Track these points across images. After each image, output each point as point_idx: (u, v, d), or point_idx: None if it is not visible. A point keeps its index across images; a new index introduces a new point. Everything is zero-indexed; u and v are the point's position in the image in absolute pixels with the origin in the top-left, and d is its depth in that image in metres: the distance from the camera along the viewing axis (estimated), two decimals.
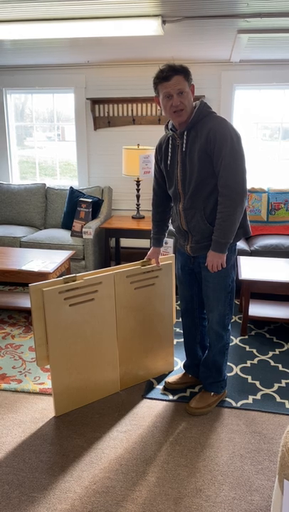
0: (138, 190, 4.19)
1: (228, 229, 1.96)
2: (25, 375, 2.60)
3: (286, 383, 2.52)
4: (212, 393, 2.31)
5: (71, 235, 4.02)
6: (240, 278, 2.96)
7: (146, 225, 3.95)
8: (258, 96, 4.25)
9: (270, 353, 2.85)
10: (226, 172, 1.91)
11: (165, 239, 2.40)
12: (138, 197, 4.22)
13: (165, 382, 2.48)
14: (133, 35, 2.88)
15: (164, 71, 1.90)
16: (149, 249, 2.73)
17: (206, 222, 2.04)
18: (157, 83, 1.94)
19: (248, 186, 4.07)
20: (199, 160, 1.95)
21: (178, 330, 3.16)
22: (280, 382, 2.52)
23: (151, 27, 2.67)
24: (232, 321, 3.24)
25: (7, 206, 4.43)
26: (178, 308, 3.48)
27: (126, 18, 2.58)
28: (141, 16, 2.55)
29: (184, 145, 2.00)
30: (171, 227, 2.32)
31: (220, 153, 1.91)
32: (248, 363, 2.73)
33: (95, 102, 4.33)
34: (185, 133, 1.99)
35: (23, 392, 2.45)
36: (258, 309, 3.18)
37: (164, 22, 2.64)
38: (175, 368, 2.68)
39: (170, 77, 1.89)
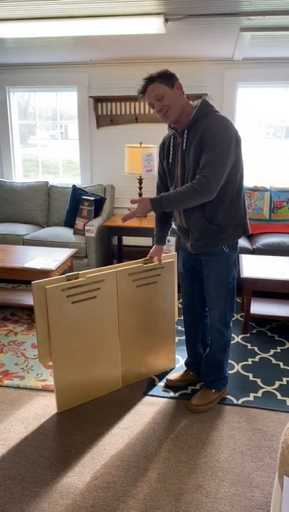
0: (140, 188, 4.20)
1: (176, 199, 1.93)
2: (28, 372, 2.61)
3: (287, 381, 2.53)
4: (213, 390, 2.32)
5: (74, 233, 4.03)
6: (242, 276, 2.97)
7: (149, 223, 3.96)
8: (261, 94, 4.24)
9: (272, 351, 2.86)
10: (207, 163, 1.89)
11: (168, 237, 2.41)
12: (140, 195, 4.22)
13: (166, 379, 2.50)
14: (136, 33, 2.89)
15: (141, 85, 1.99)
16: (151, 247, 2.74)
17: (204, 221, 2.04)
18: (141, 98, 2.02)
19: (250, 185, 4.07)
20: (195, 158, 1.96)
21: (180, 328, 3.17)
22: (281, 380, 2.53)
23: (154, 25, 2.67)
24: (234, 318, 3.25)
25: (10, 204, 4.45)
26: (180, 306, 3.49)
27: (129, 17, 2.59)
28: (143, 14, 2.55)
29: (184, 144, 2.00)
30: (174, 225, 2.33)
31: (208, 144, 1.89)
32: (250, 361, 2.74)
33: (98, 100, 4.34)
34: (185, 132, 1.99)
35: (25, 388, 2.47)
36: (259, 307, 3.19)
37: (166, 20, 2.64)
38: (176, 366, 2.69)
39: (146, 88, 1.98)
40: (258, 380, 2.54)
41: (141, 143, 4.16)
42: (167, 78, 1.96)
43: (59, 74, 4.39)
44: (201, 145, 1.93)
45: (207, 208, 2.03)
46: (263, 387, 2.47)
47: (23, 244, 3.97)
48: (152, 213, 3.73)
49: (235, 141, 1.94)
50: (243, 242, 3.72)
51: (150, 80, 1.96)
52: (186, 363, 2.53)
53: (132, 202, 2.00)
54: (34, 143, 4.99)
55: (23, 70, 4.44)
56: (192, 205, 1.96)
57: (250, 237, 3.96)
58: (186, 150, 2.00)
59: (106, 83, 4.32)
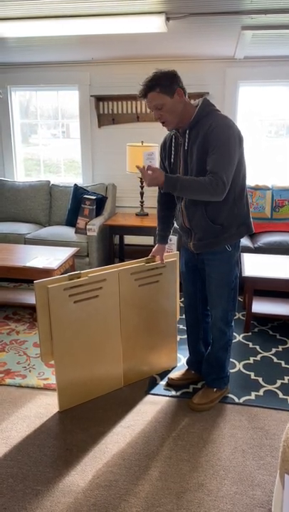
0: (142, 187, 4.20)
1: (192, 187, 1.88)
2: (30, 371, 2.62)
3: (288, 380, 2.53)
4: (215, 389, 2.33)
5: (75, 232, 4.04)
6: (243, 275, 2.97)
7: (150, 222, 3.96)
8: (263, 93, 4.24)
9: (273, 350, 2.86)
10: (215, 165, 1.89)
11: (170, 236, 2.41)
12: (142, 194, 4.23)
13: (168, 378, 2.50)
14: (137, 32, 2.89)
15: (141, 89, 1.96)
16: (153, 246, 2.73)
17: (207, 220, 2.04)
18: (142, 98, 2.00)
19: (252, 183, 4.06)
20: (199, 157, 1.95)
21: (181, 326, 3.17)
22: (283, 379, 2.53)
23: (155, 24, 2.67)
24: (235, 317, 3.25)
25: (12, 203, 4.45)
26: (182, 305, 3.49)
27: (130, 15, 2.58)
28: (145, 13, 2.55)
29: (186, 143, 2.00)
30: (175, 224, 2.33)
31: (213, 146, 1.89)
32: (251, 360, 2.74)
33: (99, 99, 4.34)
34: (187, 131, 1.99)
35: (27, 387, 2.47)
36: (261, 306, 3.19)
37: (167, 19, 2.64)
38: (178, 364, 2.69)
39: (145, 94, 1.96)
40: (260, 379, 2.54)
41: (142, 142, 4.16)
42: (168, 86, 1.92)
43: (60, 73, 4.39)
44: (204, 145, 1.93)
45: (210, 208, 2.03)
46: (265, 386, 2.47)
47: (24, 244, 3.97)
48: (154, 212, 3.69)
49: (239, 140, 1.94)
50: (244, 241, 3.72)
51: (150, 88, 1.92)
52: (188, 362, 2.53)
53: (148, 169, 1.91)
54: (36, 142, 4.99)
55: (25, 69, 4.45)
56: (201, 198, 1.93)
57: (252, 236, 3.96)
58: (188, 150, 2.00)
59: (107, 82, 4.32)
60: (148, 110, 4.29)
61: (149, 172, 1.91)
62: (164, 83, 1.91)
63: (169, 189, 1.92)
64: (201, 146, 1.94)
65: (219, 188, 1.88)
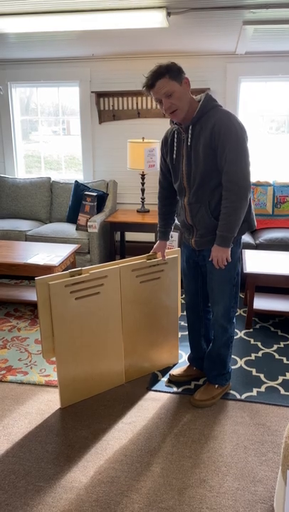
0: (143, 183, 4.19)
1: (233, 223, 1.96)
2: (31, 368, 2.62)
3: None
4: (216, 386, 2.32)
5: (76, 229, 4.03)
6: (245, 271, 2.96)
7: (151, 218, 3.95)
8: (264, 88, 4.22)
9: (275, 346, 2.86)
10: (231, 167, 1.91)
11: (171, 232, 2.40)
12: (143, 191, 4.22)
13: (170, 374, 2.50)
14: (138, 27, 2.87)
15: (148, 78, 1.92)
16: (154, 243, 2.73)
17: (210, 217, 2.04)
18: (146, 91, 1.96)
19: (254, 179, 4.05)
20: (204, 154, 1.95)
21: (183, 323, 3.17)
22: (285, 375, 2.53)
23: (156, 19, 2.65)
24: (237, 314, 3.25)
25: (13, 200, 4.45)
26: (183, 301, 3.49)
27: (131, 10, 2.57)
28: (145, 7, 2.53)
29: (189, 139, 1.99)
30: (177, 221, 2.32)
31: (224, 148, 1.90)
32: (253, 356, 2.74)
33: (100, 95, 4.32)
34: (190, 127, 1.98)
35: (29, 384, 2.48)
36: (262, 303, 3.18)
37: (168, 14, 2.62)
38: (180, 361, 2.69)
39: (154, 83, 1.91)
40: (261, 375, 2.54)
41: (143, 138, 4.14)
42: (176, 73, 1.90)
43: (61, 69, 4.37)
44: (210, 142, 1.92)
45: (213, 204, 2.02)
46: (266, 382, 2.47)
47: (25, 240, 3.97)
48: (155, 209, 3.70)
49: (245, 134, 1.94)
50: (246, 237, 3.72)
51: (160, 75, 1.88)
52: (189, 359, 2.53)
53: (217, 267, 2.06)
54: (36, 139, 4.98)
55: (25, 66, 4.43)
56: (245, 210, 1.98)
57: (254, 232, 3.95)
58: (192, 146, 1.99)
59: (108, 78, 4.30)
60: (149, 106, 4.27)
61: (212, 259, 2.05)
62: (173, 70, 1.90)
63: (231, 241, 2.00)
64: (207, 142, 1.93)
65: (240, 193, 1.92)
